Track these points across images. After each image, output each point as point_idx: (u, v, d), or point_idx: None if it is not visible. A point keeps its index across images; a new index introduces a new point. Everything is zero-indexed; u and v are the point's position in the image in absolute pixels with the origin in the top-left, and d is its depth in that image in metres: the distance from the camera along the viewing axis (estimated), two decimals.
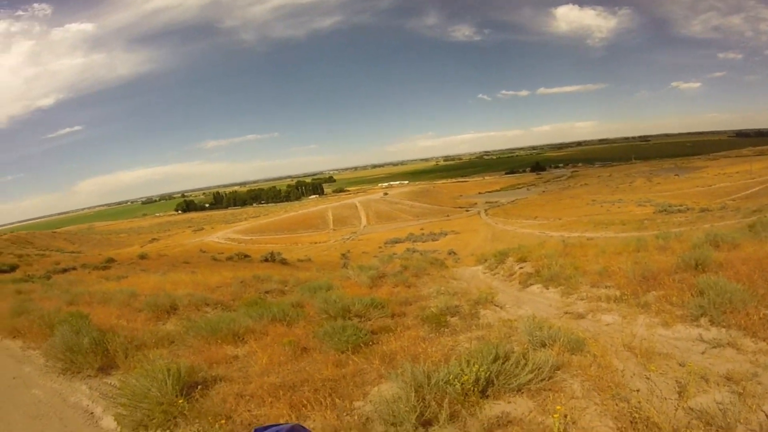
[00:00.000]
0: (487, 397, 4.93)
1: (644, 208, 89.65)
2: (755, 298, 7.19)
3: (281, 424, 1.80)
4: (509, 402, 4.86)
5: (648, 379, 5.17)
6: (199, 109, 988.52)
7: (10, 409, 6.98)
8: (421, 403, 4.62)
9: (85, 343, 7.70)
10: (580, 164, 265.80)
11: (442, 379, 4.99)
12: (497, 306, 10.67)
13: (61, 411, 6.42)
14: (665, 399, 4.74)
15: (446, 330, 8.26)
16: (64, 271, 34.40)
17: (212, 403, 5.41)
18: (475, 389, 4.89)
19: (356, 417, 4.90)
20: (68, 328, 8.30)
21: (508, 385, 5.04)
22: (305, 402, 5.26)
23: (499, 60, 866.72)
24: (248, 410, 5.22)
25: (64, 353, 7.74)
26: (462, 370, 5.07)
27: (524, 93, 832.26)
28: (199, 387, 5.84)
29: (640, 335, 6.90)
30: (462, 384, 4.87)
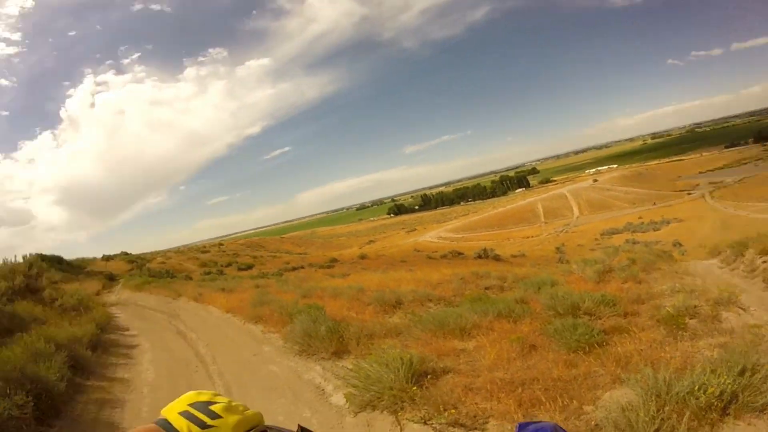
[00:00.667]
0: (728, 416, 4.44)
1: None
2: None
3: (544, 422, 1.82)
4: (750, 424, 4.33)
5: None
6: (389, 118, 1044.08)
7: (248, 380, 7.94)
8: (660, 414, 4.32)
9: (322, 330, 8.55)
10: None
11: (685, 389, 4.60)
12: (741, 308, 9.68)
13: (295, 386, 7.19)
14: None
15: (685, 334, 7.65)
16: (294, 269, 37.91)
17: (440, 392, 5.60)
18: (717, 405, 4.44)
19: (586, 420, 4.78)
20: (306, 316, 9.31)
21: (753, 403, 4.46)
22: (533, 400, 5.23)
23: (678, 18, 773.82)
24: (475, 403, 5.32)
25: (302, 338, 8.72)
26: (707, 380, 4.63)
27: (717, 51, 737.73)
28: (429, 376, 6.10)
29: None
30: (706, 396, 4.45)
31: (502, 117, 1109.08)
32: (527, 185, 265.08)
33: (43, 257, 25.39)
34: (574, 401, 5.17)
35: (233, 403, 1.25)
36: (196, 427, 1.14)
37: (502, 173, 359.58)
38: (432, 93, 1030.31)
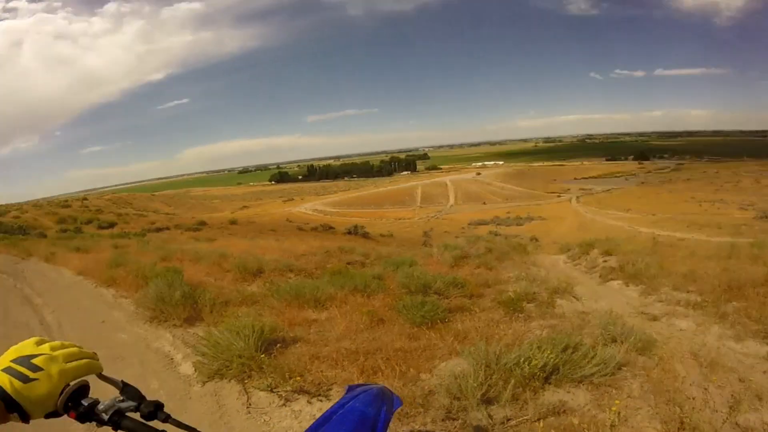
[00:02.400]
0: (549, 383, 5.04)
1: (746, 212, 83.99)
2: None
3: (371, 385, 2.05)
4: (568, 392, 4.96)
5: (706, 389, 5.11)
6: (303, 84, 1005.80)
7: (94, 349, 7.62)
8: (488, 381, 4.80)
9: (177, 295, 8.28)
10: (687, 157, 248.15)
11: (512, 361, 5.15)
12: (574, 297, 10.62)
13: (143, 354, 6.91)
14: (716, 411, 4.70)
15: (521, 315, 8.32)
16: (159, 230, 36.74)
17: (288, 360, 5.75)
18: (540, 375, 5.03)
19: (421, 387, 5.10)
20: (162, 280, 8.94)
21: (572, 375, 5.13)
22: (375, 368, 5.53)
23: (615, 36, 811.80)
24: (320, 371, 5.52)
25: (154, 303, 8.33)
26: (533, 354, 5.20)
27: (640, 74, 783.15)
28: (278, 345, 6.22)
29: (710, 345, 6.79)
30: (530, 368, 5.02)
31: (411, 100, 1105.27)
32: (414, 169, 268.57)
33: None
34: (412, 369, 5.53)
35: (57, 352, 1.29)
36: (18, 381, 1.16)
37: (394, 154, 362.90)
38: (352, 65, 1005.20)
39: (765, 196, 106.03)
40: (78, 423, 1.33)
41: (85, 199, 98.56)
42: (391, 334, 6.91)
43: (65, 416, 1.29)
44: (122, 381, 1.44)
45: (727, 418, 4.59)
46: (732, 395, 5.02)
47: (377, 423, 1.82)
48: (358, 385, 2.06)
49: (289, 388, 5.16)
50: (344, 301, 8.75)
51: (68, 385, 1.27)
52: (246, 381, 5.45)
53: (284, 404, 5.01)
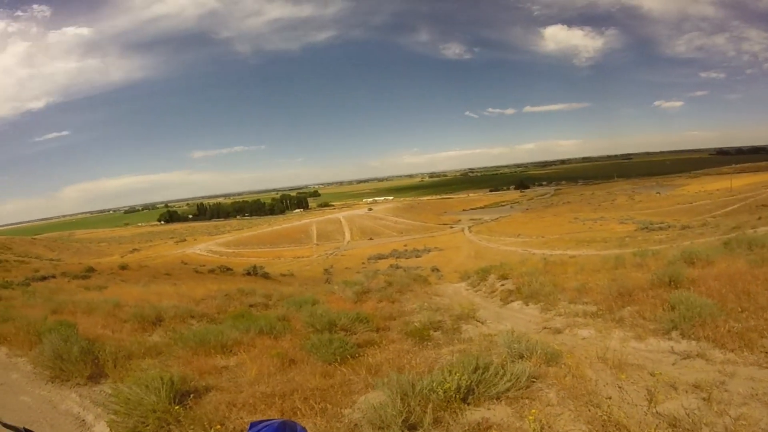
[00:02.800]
0: (468, 404, 5.17)
1: (626, 225, 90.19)
2: (724, 311, 7.58)
3: (273, 420, 2.05)
4: (489, 409, 5.11)
5: (620, 388, 5.44)
6: (189, 119, 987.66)
7: None
8: (407, 409, 4.85)
9: (75, 351, 7.76)
10: (563, 182, 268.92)
11: (426, 387, 5.26)
12: (479, 321, 10.95)
13: (52, 418, 6.45)
14: (635, 405, 5.01)
15: (429, 344, 8.51)
16: (44, 278, 34.05)
17: (205, 410, 5.56)
18: (457, 396, 5.16)
19: (345, 422, 5.11)
20: (57, 336, 8.31)
21: (488, 393, 5.30)
22: (296, 409, 5.47)
23: (487, 78, 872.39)
24: (240, 417, 5.41)
25: (53, 361, 7.80)
26: (444, 378, 5.32)
27: (510, 111, 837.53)
28: (192, 396, 5.97)
29: (614, 348, 7.20)
30: (444, 391, 5.14)
31: (298, 137, 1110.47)
32: (306, 206, 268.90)
33: None
34: (331, 406, 5.51)
35: None
36: None
37: (285, 192, 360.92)
38: (239, 101, 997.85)
39: (640, 210, 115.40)
40: None
41: None
42: (305, 373, 6.86)
43: None
44: (24, 428, 1.45)
45: (647, 410, 4.87)
46: (647, 389, 5.35)
47: None
48: (261, 421, 2.07)
49: None
50: (251, 344, 8.60)
51: None
52: None
53: None
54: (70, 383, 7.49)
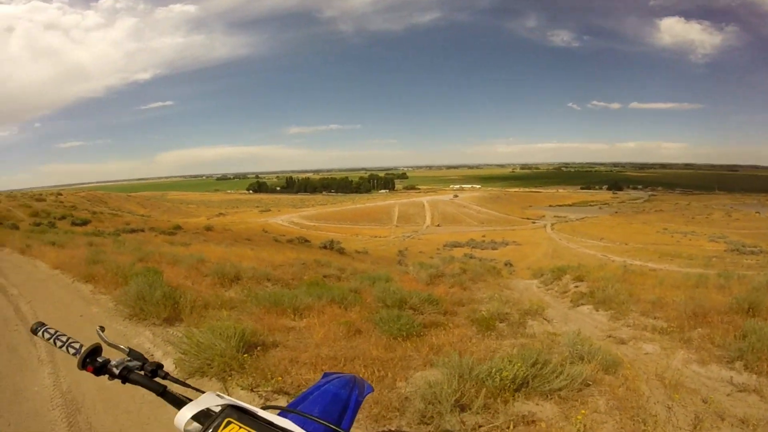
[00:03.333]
0: (519, 395, 5.25)
1: (716, 244, 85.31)
2: None
3: (345, 373, 2.27)
4: (537, 404, 5.17)
5: (669, 408, 5.38)
6: (288, 96, 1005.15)
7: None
8: (461, 390, 4.99)
9: (157, 294, 8.34)
10: (659, 188, 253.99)
11: (484, 372, 5.35)
12: (545, 319, 10.90)
13: None
14: (679, 429, 4.95)
15: (493, 333, 8.57)
16: (133, 231, 36.18)
17: (269, 363, 5.87)
18: (511, 387, 5.23)
19: (398, 393, 5.29)
20: (143, 279, 9.01)
21: (541, 388, 5.34)
22: (353, 373, 5.69)
23: (594, 69, 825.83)
24: (300, 374, 5.65)
25: (135, 301, 8.37)
26: (504, 366, 5.40)
27: (616, 105, 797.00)
28: (258, 348, 6.32)
29: (675, 368, 7.05)
30: (501, 379, 5.22)
31: (393, 119, 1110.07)
32: (392, 188, 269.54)
33: None
34: (389, 375, 5.74)
35: None
36: None
37: (373, 172, 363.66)
38: (338, 80, 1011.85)
39: (735, 229, 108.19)
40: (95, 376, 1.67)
41: (60, 194, 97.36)
42: (368, 344, 7.07)
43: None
44: (128, 347, 1.72)
45: None
46: (695, 414, 5.28)
47: (349, 404, 2.07)
48: (333, 373, 2.28)
49: (269, 389, 5.29)
50: (321, 311, 8.90)
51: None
52: (227, 379, 5.55)
53: (264, 403, 5.08)
54: (147, 322, 8.00)
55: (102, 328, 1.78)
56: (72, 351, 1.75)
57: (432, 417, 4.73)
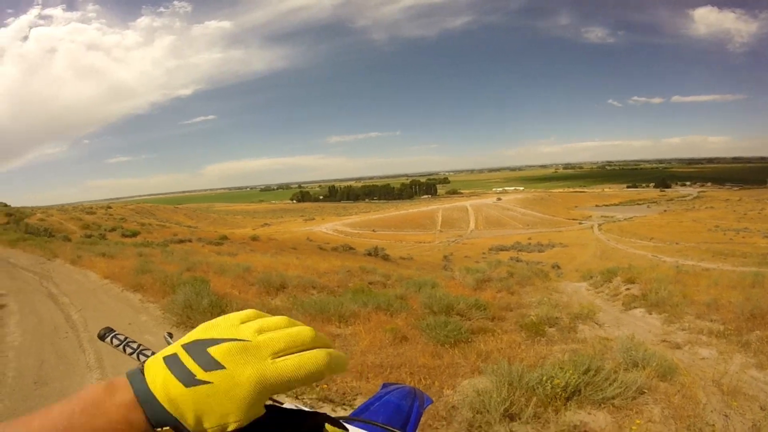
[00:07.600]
0: (571, 404, 5.09)
1: None
2: None
3: (405, 385, 2.20)
4: (590, 413, 4.99)
5: (727, 417, 5.13)
6: (326, 106, 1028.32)
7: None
8: (510, 398, 4.86)
9: (204, 303, 8.49)
10: (709, 183, 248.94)
11: (535, 380, 5.21)
12: (596, 323, 10.63)
13: None
14: None
15: (543, 339, 8.42)
16: (181, 241, 36.78)
17: None
18: (562, 395, 5.08)
19: (444, 403, 5.19)
20: (190, 288, 9.14)
21: (593, 397, 5.17)
22: (399, 381, 5.60)
23: (633, 64, 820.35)
24: (345, 382, 5.63)
25: (182, 309, 8.51)
26: (555, 374, 5.26)
27: (657, 100, 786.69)
28: None
29: (732, 373, 6.77)
30: (552, 387, 5.07)
31: (432, 124, 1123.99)
32: (434, 193, 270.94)
33: None
34: (436, 383, 5.67)
35: (264, 336, 0.71)
36: (176, 383, 0.67)
37: (415, 178, 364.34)
38: (376, 88, 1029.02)
39: None
40: None
41: (110, 207, 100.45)
42: (415, 351, 7.02)
43: None
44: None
45: None
46: (753, 423, 5.05)
47: (411, 415, 1.97)
48: (392, 384, 2.20)
49: (314, 396, 5.28)
50: (367, 318, 8.88)
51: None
52: None
53: None
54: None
55: (170, 335, 1.64)
56: (143, 359, 1.64)
57: (480, 426, 4.64)
